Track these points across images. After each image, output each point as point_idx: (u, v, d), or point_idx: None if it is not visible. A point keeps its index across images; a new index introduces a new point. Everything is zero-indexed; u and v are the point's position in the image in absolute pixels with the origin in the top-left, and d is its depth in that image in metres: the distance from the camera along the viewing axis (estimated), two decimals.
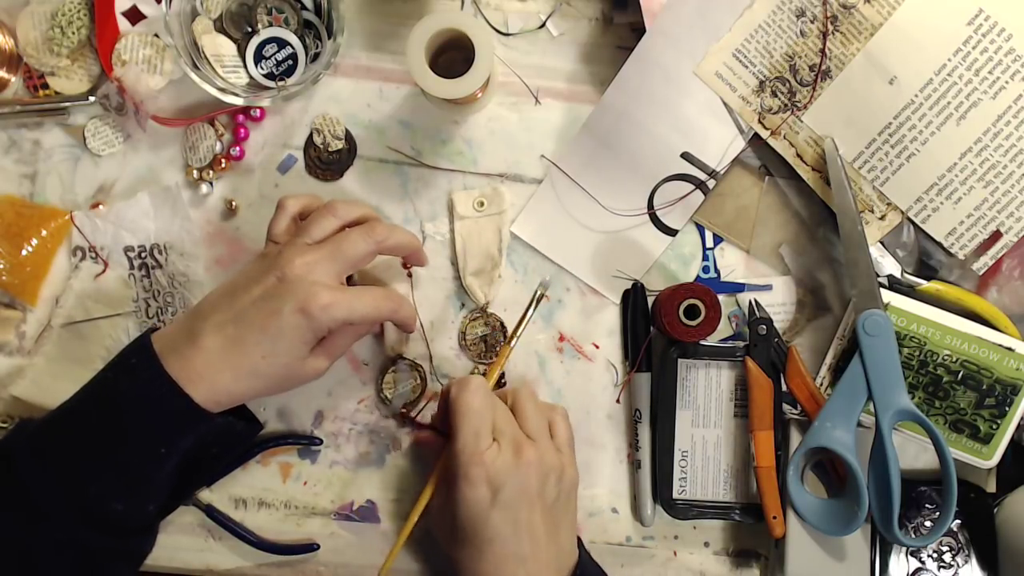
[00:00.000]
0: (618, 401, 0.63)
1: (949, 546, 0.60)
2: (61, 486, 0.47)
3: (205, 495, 0.62)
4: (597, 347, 0.63)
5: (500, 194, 0.62)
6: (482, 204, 0.62)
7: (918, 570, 0.60)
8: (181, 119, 0.62)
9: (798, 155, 0.60)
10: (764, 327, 0.60)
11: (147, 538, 0.54)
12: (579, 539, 0.56)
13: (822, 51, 0.58)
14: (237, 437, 0.55)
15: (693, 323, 0.57)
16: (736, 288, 0.63)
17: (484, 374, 0.60)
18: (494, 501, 0.49)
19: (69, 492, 0.47)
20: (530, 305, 0.57)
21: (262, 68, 0.60)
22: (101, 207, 0.61)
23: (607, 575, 0.56)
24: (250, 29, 0.60)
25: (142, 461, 0.48)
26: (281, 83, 0.60)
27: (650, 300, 0.62)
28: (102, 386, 0.49)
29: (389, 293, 0.54)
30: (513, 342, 0.56)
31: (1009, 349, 0.58)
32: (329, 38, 0.61)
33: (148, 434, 0.48)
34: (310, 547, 0.62)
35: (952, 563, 0.59)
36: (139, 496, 0.49)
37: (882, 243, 0.61)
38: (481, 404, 0.51)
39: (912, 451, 0.62)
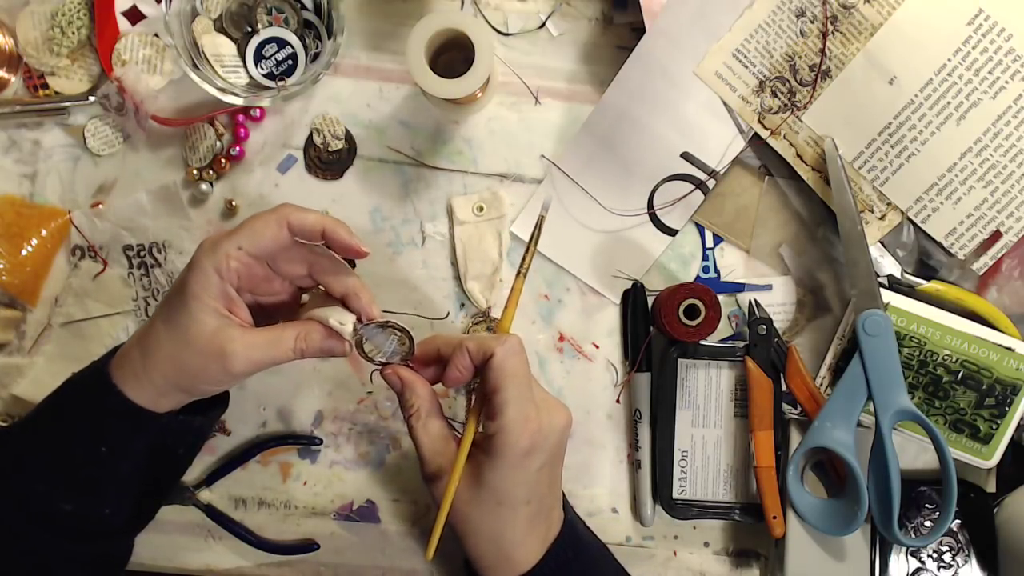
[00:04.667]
0: (618, 401, 0.63)
1: (949, 546, 0.60)
2: (8, 482, 0.47)
3: (205, 495, 0.62)
4: (597, 347, 0.63)
5: (499, 198, 0.62)
6: (481, 209, 0.62)
7: (918, 570, 0.60)
8: (181, 119, 0.62)
9: (798, 155, 0.60)
10: (764, 327, 0.60)
11: (113, 545, 0.52)
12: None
13: (822, 51, 0.58)
14: (198, 433, 0.53)
15: (693, 323, 0.57)
16: (736, 288, 0.63)
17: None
18: (540, 464, 0.48)
19: (17, 489, 0.47)
20: (535, 230, 0.52)
21: (262, 68, 0.60)
22: (100, 206, 0.62)
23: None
24: (250, 29, 0.60)
25: (84, 460, 0.48)
26: (281, 83, 0.60)
27: (650, 300, 0.62)
28: (60, 388, 0.50)
29: (291, 207, 0.48)
30: (524, 269, 0.51)
31: (1009, 349, 0.58)
32: (329, 38, 0.61)
33: (85, 432, 0.48)
34: (310, 547, 0.62)
35: (952, 563, 0.59)
36: (89, 497, 0.48)
37: (882, 243, 0.61)
38: (528, 369, 0.49)
39: (912, 451, 0.62)
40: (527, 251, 0.52)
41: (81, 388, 0.49)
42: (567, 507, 0.53)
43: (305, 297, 0.54)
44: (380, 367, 0.52)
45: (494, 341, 0.48)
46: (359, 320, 0.50)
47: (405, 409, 0.51)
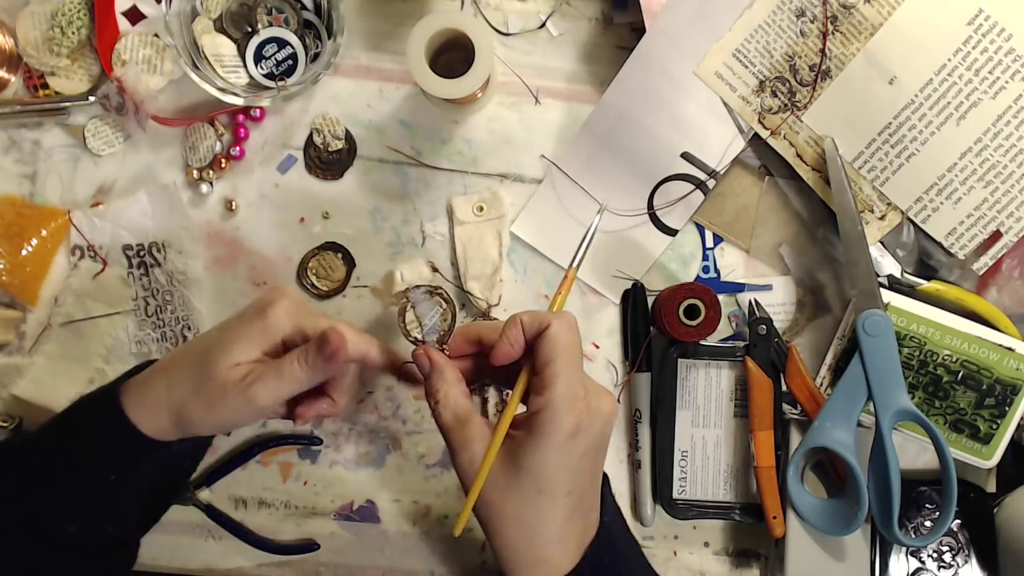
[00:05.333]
0: (618, 401, 0.63)
1: (949, 546, 0.60)
2: (12, 505, 0.47)
3: (205, 495, 0.62)
4: (597, 347, 0.63)
5: (499, 198, 0.62)
6: (481, 209, 0.62)
7: (918, 570, 0.60)
8: (181, 119, 0.62)
9: (798, 155, 0.60)
10: (764, 327, 0.60)
11: (116, 556, 0.52)
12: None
13: (822, 51, 0.58)
14: (200, 445, 0.53)
15: (693, 323, 0.57)
16: (736, 288, 0.63)
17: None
18: (584, 450, 0.45)
19: (22, 510, 0.47)
20: (591, 227, 0.51)
21: (262, 68, 0.60)
22: (100, 206, 0.61)
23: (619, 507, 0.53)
24: (250, 29, 0.60)
25: (92, 487, 0.47)
26: (281, 83, 0.60)
27: (650, 300, 0.62)
28: (67, 410, 0.50)
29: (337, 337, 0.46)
30: (576, 262, 0.50)
31: (1009, 349, 0.58)
32: (329, 38, 0.61)
33: (93, 460, 0.47)
34: (310, 547, 0.62)
35: (952, 563, 0.59)
36: (94, 519, 0.48)
37: (882, 243, 0.61)
38: (580, 350, 0.46)
39: (912, 451, 0.62)
40: (581, 246, 0.50)
41: (92, 413, 0.49)
42: (605, 506, 0.49)
43: None
44: (415, 344, 0.50)
45: (550, 315, 0.45)
46: (406, 293, 0.50)
47: (431, 395, 0.47)
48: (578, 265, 0.50)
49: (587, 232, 0.50)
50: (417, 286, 0.49)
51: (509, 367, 0.47)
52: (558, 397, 0.43)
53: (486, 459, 0.45)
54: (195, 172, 0.62)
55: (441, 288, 0.49)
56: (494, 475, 0.45)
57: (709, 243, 0.63)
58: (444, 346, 0.50)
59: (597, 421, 0.45)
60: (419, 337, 0.50)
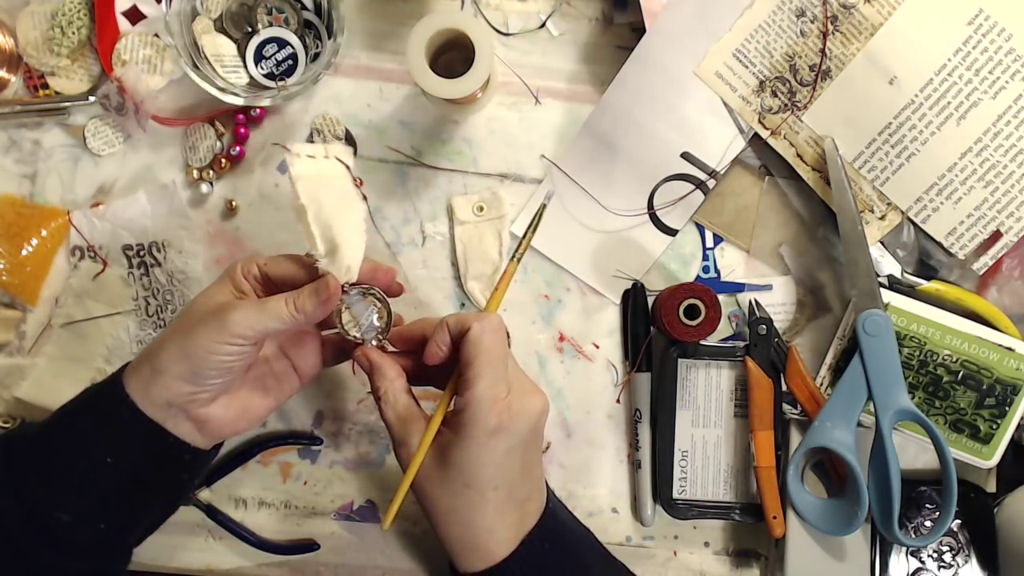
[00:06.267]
0: (618, 401, 0.63)
1: (949, 546, 0.60)
2: (13, 484, 0.47)
3: (205, 495, 0.62)
4: (597, 347, 0.63)
5: (499, 198, 0.62)
6: (481, 209, 0.62)
7: (918, 570, 0.60)
8: (181, 119, 0.62)
9: (798, 155, 0.60)
10: (764, 327, 0.60)
11: (104, 565, 0.51)
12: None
13: (822, 51, 0.58)
14: (200, 458, 0.52)
15: (693, 323, 0.57)
16: (736, 288, 0.63)
17: None
18: (508, 447, 0.47)
19: (19, 493, 0.47)
20: (535, 218, 0.52)
21: (262, 68, 0.60)
22: (100, 206, 0.62)
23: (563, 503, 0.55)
24: (250, 29, 0.60)
25: (88, 468, 0.47)
26: (281, 83, 0.60)
27: (650, 300, 0.62)
28: (79, 394, 0.50)
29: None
30: (518, 255, 0.51)
31: (1009, 349, 0.58)
32: (329, 38, 0.61)
33: (91, 439, 0.47)
34: (310, 547, 0.62)
35: (952, 563, 0.59)
36: (87, 510, 0.48)
37: (882, 243, 0.61)
38: (504, 348, 0.48)
39: (912, 451, 0.62)
40: (524, 237, 0.52)
41: (96, 395, 0.49)
42: (551, 498, 0.52)
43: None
44: (353, 342, 0.51)
45: (473, 317, 0.48)
46: (342, 289, 0.49)
47: (374, 392, 0.50)
48: (518, 260, 0.51)
49: (529, 226, 0.51)
50: (352, 285, 0.50)
51: (450, 368, 0.50)
52: (478, 397, 0.46)
53: (415, 457, 0.48)
54: (195, 172, 0.62)
55: (374, 288, 0.50)
56: (429, 469, 0.48)
57: (709, 243, 0.63)
58: (386, 341, 0.51)
59: (521, 420, 0.47)
60: (358, 336, 0.51)
